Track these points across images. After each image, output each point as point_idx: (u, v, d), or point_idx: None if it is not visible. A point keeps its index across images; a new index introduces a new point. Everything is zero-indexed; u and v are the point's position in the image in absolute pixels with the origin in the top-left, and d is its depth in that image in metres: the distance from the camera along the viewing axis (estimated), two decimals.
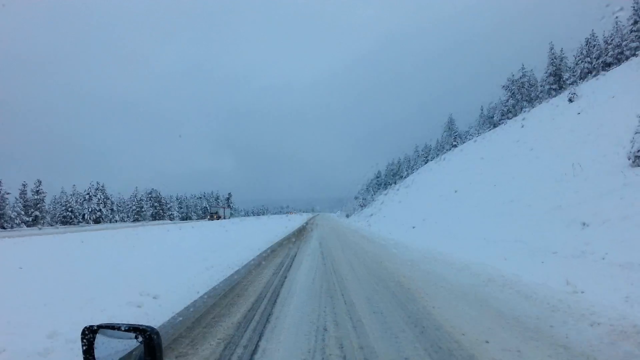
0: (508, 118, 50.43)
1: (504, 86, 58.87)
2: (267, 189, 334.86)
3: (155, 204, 77.21)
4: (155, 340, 1.46)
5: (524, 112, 42.60)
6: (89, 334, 1.53)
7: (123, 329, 1.50)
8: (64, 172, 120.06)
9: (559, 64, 47.67)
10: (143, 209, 74.07)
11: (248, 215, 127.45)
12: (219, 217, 76.86)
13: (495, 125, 53.83)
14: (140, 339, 1.47)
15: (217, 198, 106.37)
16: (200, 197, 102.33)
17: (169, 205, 79.56)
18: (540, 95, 49.33)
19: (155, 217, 77.31)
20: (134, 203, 73.46)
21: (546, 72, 48.79)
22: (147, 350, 1.45)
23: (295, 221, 48.29)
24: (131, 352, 1.50)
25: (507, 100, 54.39)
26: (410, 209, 29.56)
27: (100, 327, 1.54)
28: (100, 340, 1.53)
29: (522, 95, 53.10)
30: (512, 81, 54.88)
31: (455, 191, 24.08)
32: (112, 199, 65.66)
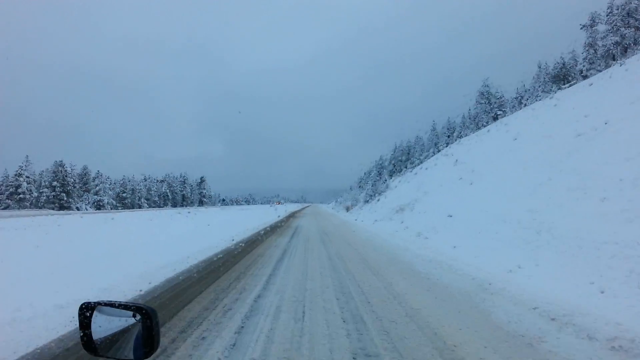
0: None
1: (584, 26, 39.98)
2: (258, 177, 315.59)
3: (55, 185, 53.42)
4: (152, 318, 1.45)
5: None
6: (87, 311, 1.52)
7: (121, 307, 1.50)
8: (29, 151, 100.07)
9: None
10: (19, 190, 50.29)
11: (227, 204, 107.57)
12: None
13: (584, 77, 34.64)
14: (138, 317, 1.47)
15: (185, 182, 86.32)
16: (162, 181, 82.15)
17: (97, 188, 58.52)
18: None
19: (55, 202, 53.50)
20: (11, 182, 50.44)
21: None
22: (145, 328, 1.46)
23: (266, 218, 29.43)
24: (128, 330, 1.50)
25: (606, 37, 35.07)
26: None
27: (98, 304, 1.53)
28: (97, 317, 1.52)
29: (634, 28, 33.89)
30: (612, 8, 35.59)
31: None
32: None
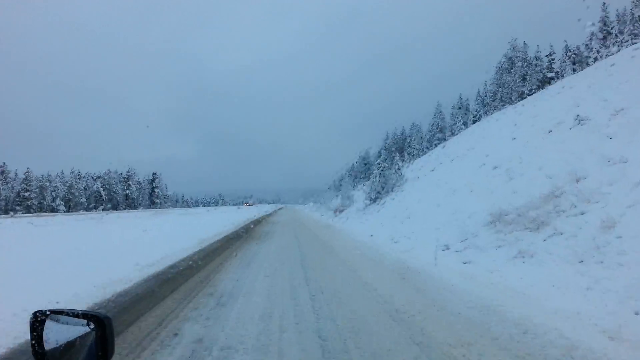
0: None
1: None
2: (232, 178, 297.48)
3: None
4: (107, 327, 1.38)
5: None
6: (39, 319, 1.45)
7: (74, 315, 1.43)
8: None
9: None
10: None
11: (189, 206, 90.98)
12: None
13: None
14: (91, 325, 1.40)
15: (128, 179, 69.32)
16: (97, 178, 65.10)
17: None
18: None
19: None
20: None
21: None
22: (99, 337, 1.37)
23: (179, 243, 13.07)
24: (81, 338, 1.42)
25: None
26: None
27: (51, 312, 1.46)
28: (49, 325, 1.44)
29: None
30: None
31: None
32: None
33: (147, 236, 15.67)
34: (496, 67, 48.05)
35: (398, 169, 28.44)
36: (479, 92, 52.17)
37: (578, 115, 14.54)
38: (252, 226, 24.49)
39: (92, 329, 1.39)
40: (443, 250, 9.92)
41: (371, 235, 16.63)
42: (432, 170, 26.00)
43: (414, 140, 65.89)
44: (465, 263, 8.24)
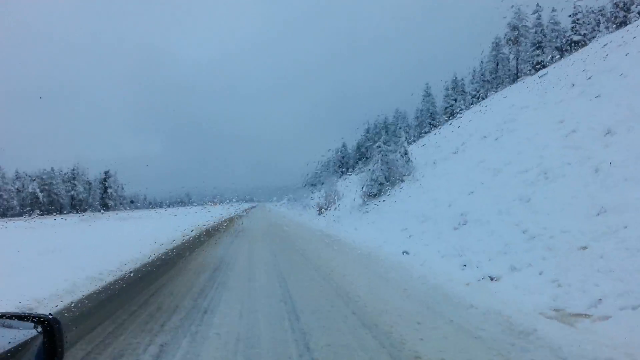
0: None
1: None
2: (201, 177, 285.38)
3: None
4: (55, 329, 1.32)
5: None
6: None
7: (18, 318, 1.37)
8: None
9: None
10: None
11: (141, 208, 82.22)
12: None
13: None
14: (39, 328, 1.31)
15: (74, 178, 60.03)
16: (34, 179, 55.91)
17: None
18: None
19: None
20: None
21: None
22: (47, 340, 1.30)
23: None
24: (28, 342, 1.30)
25: None
26: None
27: None
28: None
29: None
30: None
31: None
32: None
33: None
34: (493, 43, 42.44)
35: (405, 152, 21.61)
36: (474, 70, 46.11)
37: None
38: (195, 244, 15.50)
39: (40, 332, 1.30)
40: None
41: (405, 253, 9.68)
42: (455, 153, 19.30)
43: (400, 128, 59.56)
44: None
